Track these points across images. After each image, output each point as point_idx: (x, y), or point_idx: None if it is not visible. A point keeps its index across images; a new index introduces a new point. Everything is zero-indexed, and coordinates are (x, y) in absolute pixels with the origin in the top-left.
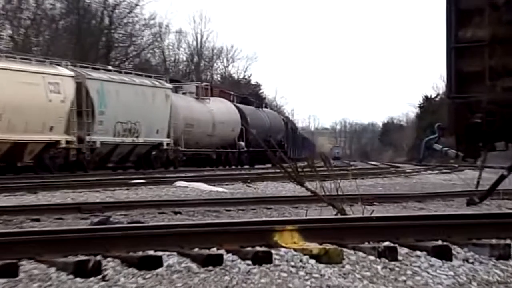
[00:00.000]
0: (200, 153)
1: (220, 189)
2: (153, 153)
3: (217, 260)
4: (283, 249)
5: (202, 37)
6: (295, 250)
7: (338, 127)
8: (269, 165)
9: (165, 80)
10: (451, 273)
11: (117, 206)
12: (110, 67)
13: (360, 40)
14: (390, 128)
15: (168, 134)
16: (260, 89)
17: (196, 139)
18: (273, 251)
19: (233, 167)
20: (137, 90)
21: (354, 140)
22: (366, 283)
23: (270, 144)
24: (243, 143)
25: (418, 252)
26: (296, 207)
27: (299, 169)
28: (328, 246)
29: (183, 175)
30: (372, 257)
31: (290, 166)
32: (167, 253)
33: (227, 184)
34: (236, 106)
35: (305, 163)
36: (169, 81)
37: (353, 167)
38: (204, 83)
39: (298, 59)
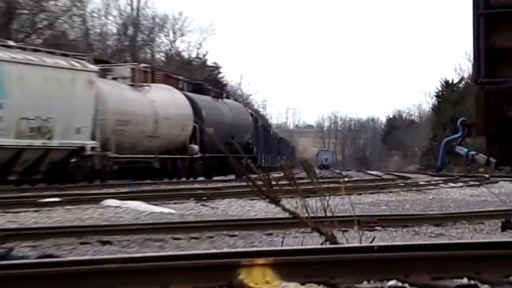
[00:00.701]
0: (138, 161)
1: (165, 209)
2: (72, 160)
3: None
4: None
5: (139, 0)
6: None
7: (326, 124)
8: (232, 177)
9: (88, 61)
10: None
11: (23, 235)
12: (11, 42)
13: (353, 12)
14: (397, 125)
15: (93, 135)
16: (219, 73)
17: (132, 142)
18: None
19: (183, 179)
20: (49, 74)
21: (348, 141)
22: None
23: (234, 148)
24: (196, 147)
25: None
26: (270, 234)
27: (273, 182)
28: (313, 287)
29: (113, 190)
30: None
31: (260, 178)
32: None
33: (174, 203)
34: (186, 96)
35: (282, 174)
36: (93, 62)
37: (347, 179)
38: (143, 65)
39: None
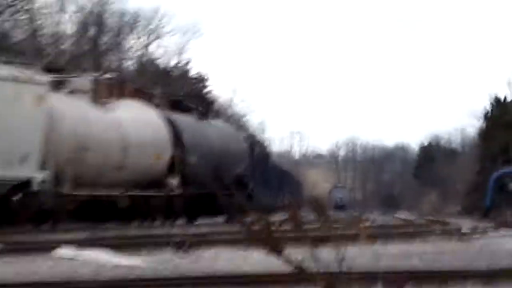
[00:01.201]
0: (101, 199)
1: (134, 262)
2: (15, 198)
3: None
4: None
5: None
6: None
7: (342, 153)
8: (221, 219)
9: (37, 70)
10: None
11: None
12: None
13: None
14: (433, 155)
15: (43, 165)
16: (205, 87)
17: (93, 174)
18: None
19: (159, 222)
20: None
21: (370, 175)
22: None
23: (223, 183)
24: (176, 181)
25: None
26: None
27: (274, 227)
28: None
29: (68, 237)
30: None
31: (258, 221)
32: None
33: (146, 253)
34: (163, 117)
35: (285, 216)
36: (44, 71)
37: (368, 222)
38: (108, 75)
39: (272, 37)
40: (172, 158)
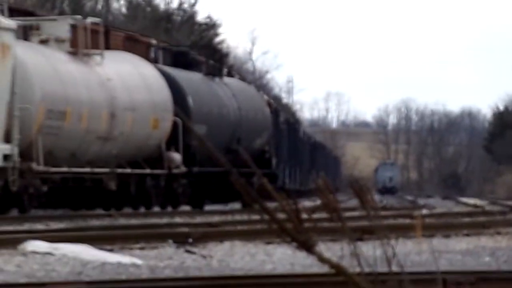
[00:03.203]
0: (82, 178)
1: (126, 258)
2: None
3: None
4: None
5: None
6: None
7: (392, 120)
8: (237, 206)
9: (1, 11)
10: None
11: None
12: None
13: None
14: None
15: (7, 136)
16: (217, 35)
17: (73, 147)
18: None
19: (157, 208)
20: None
21: (429, 149)
22: None
23: (239, 159)
24: (178, 157)
25: None
26: None
27: (305, 215)
28: None
29: (41, 227)
30: None
31: (283, 208)
32: None
33: (142, 248)
34: (162, 73)
35: (318, 202)
36: (8, 13)
37: (425, 211)
38: (91, 19)
39: None
40: (174, 127)
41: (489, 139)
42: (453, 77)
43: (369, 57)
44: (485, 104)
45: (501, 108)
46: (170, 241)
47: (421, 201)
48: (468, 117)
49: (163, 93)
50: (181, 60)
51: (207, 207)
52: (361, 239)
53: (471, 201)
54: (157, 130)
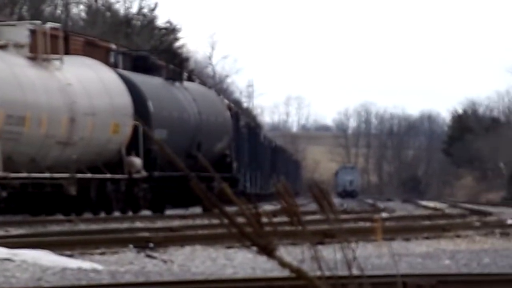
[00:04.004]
0: (42, 183)
1: (86, 264)
2: None
3: None
4: None
5: None
6: None
7: (352, 123)
8: (198, 210)
9: None
10: None
11: None
12: None
13: None
14: (469, 125)
15: None
16: (177, 39)
17: (32, 152)
18: None
19: (118, 213)
20: None
21: (388, 152)
22: None
23: (200, 164)
24: (139, 161)
25: None
26: None
27: (265, 219)
28: None
29: (0, 233)
30: None
31: (244, 213)
32: None
33: (102, 253)
34: (122, 78)
35: (278, 206)
36: None
37: (385, 214)
38: (51, 25)
39: None
40: (134, 132)
41: (448, 143)
42: (412, 80)
43: (329, 61)
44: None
45: (460, 111)
46: (131, 246)
47: (381, 205)
48: (428, 121)
49: (123, 97)
50: (141, 64)
51: (168, 212)
52: (321, 243)
53: (431, 204)
54: (117, 135)
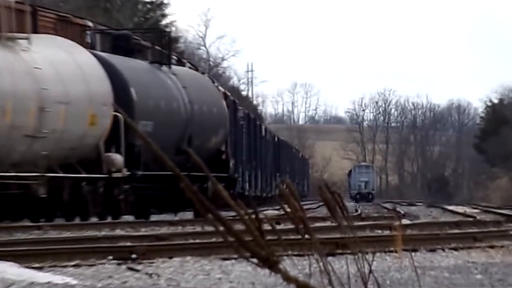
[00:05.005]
0: (6, 184)
1: (59, 278)
2: None
3: None
4: None
5: None
6: None
7: (368, 115)
8: (189, 215)
9: None
10: None
11: None
12: None
13: None
14: (504, 118)
15: None
16: (164, 15)
17: None
18: None
19: (95, 219)
20: None
21: (410, 149)
22: None
23: (190, 162)
24: (120, 158)
25: None
26: None
27: (267, 226)
28: None
29: None
30: None
31: (242, 219)
32: None
33: (77, 266)
34: (100, 60)
35: (283, 211)
36: None
37: (407, 221)
38: None
39: None
40: (115, 123)
41: (480, 137)
42: (438, 65)
43: (341, 42)
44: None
45: (495, 100)
46: (110, 257)
47: (402, 210)
48: (456, 112)
49: (102, 84)
50: (122, 45)
51: (154, 217)
52: (332, 254)
53: (460, 209)
54: (95, 127)
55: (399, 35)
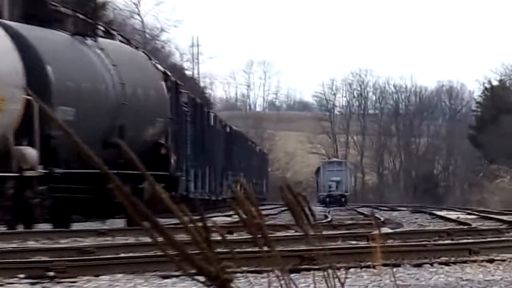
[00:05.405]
0: None
1: None
2: None
3: None
4: None
5: None
6: None
7: (339, 100)
8: (120, 223)
9: None
10: None
11: None
12: None
13: None
14: (506, 104)
15: None
16: None
17: None
18: None
19: (2, 228)
20: None
21: (392, 141)
22: None
23: (122, 157)
24: (34, 152)
25: None
26: None
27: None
28: None
29: None
30: None
31: (186, 227)
32: None
33: None
34: (9, 31)
35: (235, 218)
36: None
37: (387, 228)
38: None
39: None
40: (27, 110)
41: (476, 128)
42: (424, 40)
43: (308, 13)
44: (470, 77)
45: (495, 82)
46: (21, 275)
47: (382, 216)
48: (447, 96)
49: (10, 61)
50: (36, 13)
51: (76, 225)
52: (297, 270)
53: (452, 215)
54: (2, 115)
55: (377, 3)
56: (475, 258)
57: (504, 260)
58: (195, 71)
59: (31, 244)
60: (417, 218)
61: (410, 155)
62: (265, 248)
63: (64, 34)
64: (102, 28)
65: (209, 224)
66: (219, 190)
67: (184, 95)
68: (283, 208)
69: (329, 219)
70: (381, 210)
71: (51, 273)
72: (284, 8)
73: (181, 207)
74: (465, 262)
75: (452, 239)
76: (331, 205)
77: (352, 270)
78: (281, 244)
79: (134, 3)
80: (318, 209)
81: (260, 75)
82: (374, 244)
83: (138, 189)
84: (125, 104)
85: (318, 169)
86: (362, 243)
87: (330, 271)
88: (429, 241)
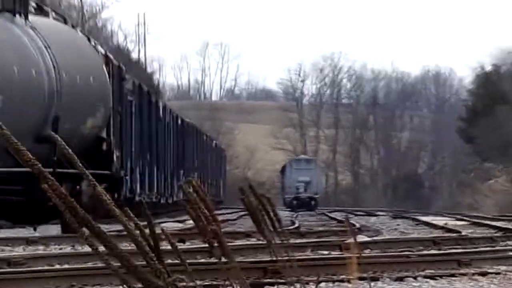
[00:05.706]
0: None
1: None
2: None
3: None
4: None
5: None
6: None
7: (308, 87)
8: (54, 230)
9: None
10: None
11: None
12: None
13: None
14: (501, 92)
15: None
16: None
17: None
18: None
19: None
20: None
21: (369, 136)
22: None
23: (58, 153)
24: None
25: None
26: None
27: (166, 245)
28: None
29: None
30: None
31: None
32: None
33: None
34: None
35: (188, 223)
36: None
37: (364, 237)
38: None
39: None
40: None
41: (467, 119)
42: (408, 20)
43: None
44: (461, 62)
45: (488, 68)
46: None
47: (358, 222)
48: (434, 83)
49: None
50: None
51: (3, 232)
52: (260, 285)
53: (439, 220)
54: None
55: None
56: (465, 270)
57: (498, 273)
58: (141, 54)
59: None
60: (398, 225)
61: (390, 151)
62: (223, 259)
63: None
64: (33, 4)
65: (158, 231)
66: (169, 192)
67: (128, 81)
68: (243, 213)
69: (296, 225)
70: (356, 215)
71: None
72: None
73: (125, 211)
74: (453, 275)
75: (439, 249)
76: (299, 209)
77: (323, 284)
78: (241, 254)
79: None
80: (284, 214)
81: (217, 59)
82: (348, 255)
83: (76, 191)
84: (60, 92)
85: (284, 167)
86: (335, 253)
87: (298, 285)
88: (413, 251)
